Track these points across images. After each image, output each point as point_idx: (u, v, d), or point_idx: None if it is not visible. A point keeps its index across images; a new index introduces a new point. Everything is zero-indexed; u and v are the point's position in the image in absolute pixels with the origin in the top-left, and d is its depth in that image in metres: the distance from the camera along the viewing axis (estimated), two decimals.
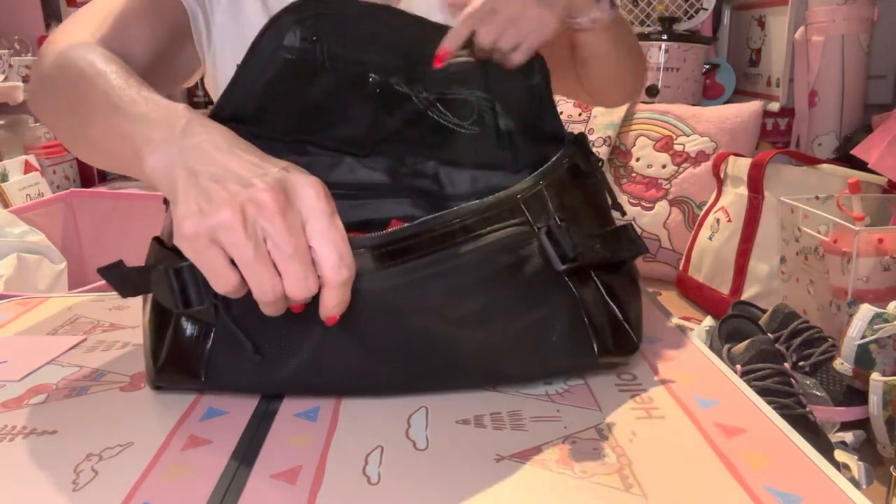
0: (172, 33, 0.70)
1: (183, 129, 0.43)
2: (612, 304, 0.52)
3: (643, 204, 1.76)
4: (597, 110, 1.88)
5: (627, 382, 0.52)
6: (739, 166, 1.54)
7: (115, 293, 0.46)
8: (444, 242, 0.47)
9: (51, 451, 0.44)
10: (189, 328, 0.47)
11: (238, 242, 0.38)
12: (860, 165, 1.37)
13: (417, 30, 0.57)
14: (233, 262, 0.39)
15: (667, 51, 1.87)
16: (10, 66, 2.29)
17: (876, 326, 1.00)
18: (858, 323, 1.01)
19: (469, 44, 0.58)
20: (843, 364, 1.02)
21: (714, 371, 0.54)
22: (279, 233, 0.38)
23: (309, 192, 0.40)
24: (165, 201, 0.53)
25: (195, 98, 2.77)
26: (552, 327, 0.49)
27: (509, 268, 0.48)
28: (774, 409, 0.49)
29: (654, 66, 1.89)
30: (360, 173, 0.66)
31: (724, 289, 1.53)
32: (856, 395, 1.03)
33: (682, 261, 1.68)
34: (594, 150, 0.68)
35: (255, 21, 0.72)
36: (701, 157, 1.72)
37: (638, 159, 1.79)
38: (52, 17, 2.72)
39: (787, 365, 1.02)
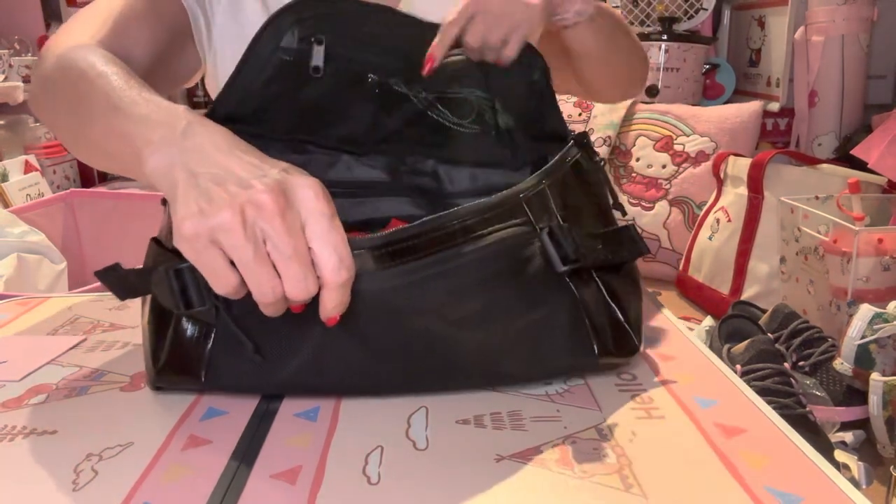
0: (173, 34, 0.70)
1: (183, 131, 0.43)
2: (612, 304, 0.52)
3: (643, 204, 1.76)
4: (597, 110, 1.88)
5: (627, 382, 0.52)
6: (739, 166, 1.54)
7: None
8: (444, 243, 0.46)
9: (51, 451, 0.44)
10: (189, 329, 0.47)
11: (238, 244, 0.38)
12: (860, 165, 1.37)
13: (415, 31, 0.57)
14: (233, 264, 0.39)
15: (667, 51, 1.87)
16: (10, 66, 2.29)
17: (876, 326, 1.00)
18: (858, 323, 1.01)
19: (460, 44, 0.58)
20: (843, 364, 1.02)
21: (714, 371, 0.54)
22: (279, 234, 0.38)
23: (308, 193, 0.40)
24: (163, 201, 0.53)
25: (195, 98, 2.77)
26: (552, 328, 0.49)
27: (510, 268, 0.48)
28: (774, 409, 0.49)
29: (654, 67, 1.89)
30: (359, 171, 0.66)
31: (724, 289, 1.53)
32: (856, 395, 1.03)
33: (682, 261, 1.68)
34: None
35: (255, 21, 0.72)
36: (701, 157, 1.72)
37: (638, 159, 1.79)
38: (52, 17, 2.72)
39: (787, 365, 1.02)
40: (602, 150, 1.79)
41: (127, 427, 0.46)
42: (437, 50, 0.57)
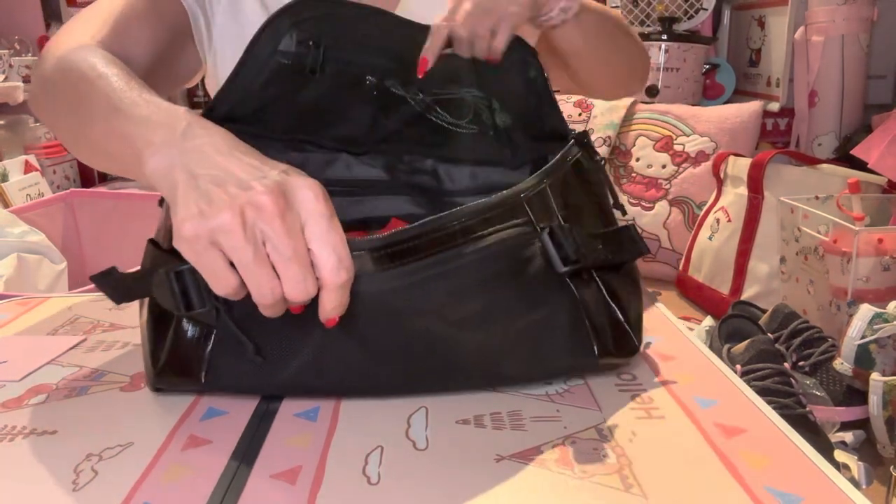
0: (173, 34, 0.70)
1: (184, 132, 0.43)
2: (612, 304, 0.52)
3: (643, 204, 1.76)
4: (597, 110, 1.88)
5: (627, 382, 0.52)
6: (739, 166, 1.54)
7: None
8: (445, 244, 0.46)
9: (51, 451, 0.44)
10: (189, 330, 0.47)
11: (237, 245, 0.38)
12: (860, 165, 1.37)
13: (411, 34, 0.57)
14: (232, 265, 0.39)
15: (667, 51, 1.87)
16: (10, 66, 2.29)
17: (876, 326, 1.00)
18: (858, 323, 1.01)
19: (451, 43, 0.58)
20: (842, 364, 1.02)
21: (714, 371, 0.54)
22: (278, 235, 0.38)
23: (308, 194, 0.40)
24: (160, 202, 0.53)
25: (195, 98, 2.77)
26: (553, 328, 0.49)
27: (511, 269, 0.48)
28: (774, 409, 0.49)
29: (654, 67, 1.89)
30: (357, 170, 0.66)
31: (724, 289, 1.53)
32: (856, 395, 1.03)
33: (682, 261, 1.68)
34: None
35: (255, 21, 0.72)
36: (701, 157, 1.72)
37: (638, 159, 1.79)
38: (52, 17, 2.72)
39: (786, 365, 1.02)
40: (602, 150, 1.79)
41: (127, 427, 0.46)
42: (429, 52, 0.57)
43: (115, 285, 0.43)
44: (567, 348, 0.50)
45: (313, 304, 0.41)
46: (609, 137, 1.82)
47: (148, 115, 0.45)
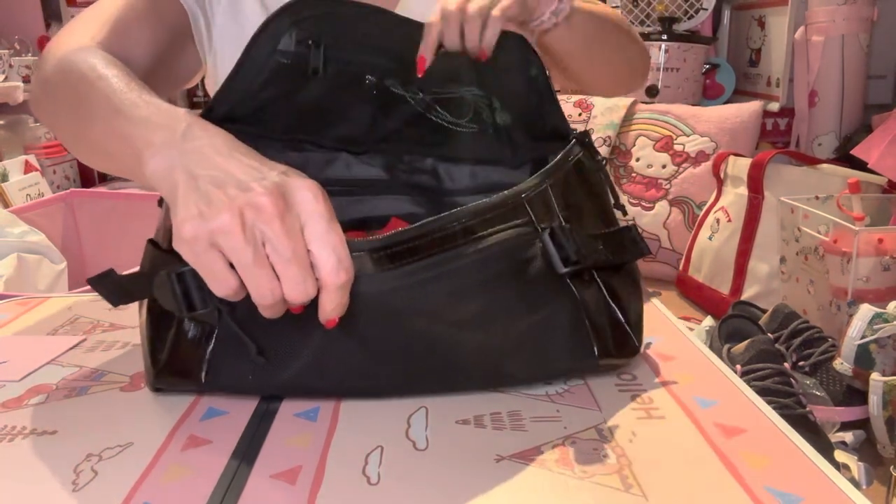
0: (173, 35, 0.70)
1: (184, 133, 0.43)
2: (613, 305, 0.52)
3: (643, 204, 1.76)
4: (597, 110, 1.88)
5: (627, 383, 0.52)
6: (739, 166, 1.54)
7: None
8: (445, 244, 0.46)
9: (51, 451, 0.44)
10: (190, 331, 0.47)
11: (237, 246, 0.38)
12: (860, 165, 1.37)
13: (410, 33, 0.57)
14: (232, 266, 0.39)
15: (667, 51, 1.87)
16: (10, 66, 2.29)
17: (876, 326, 1.00)
18: (858, 323, 1.01)
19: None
20: (843, 364, 1.02)
21: (714, 371, 0.54)
22: (277, 236, 0.38)
23: (307, 195, 0.40)
24: (160, 202, 0.53)
25: (195, 98, 2.77)
26: (553, 329, 0.49)
27: (511, 269, 0.48)
28: (774, 409, 0.49)
29: (654, 67, 1.89)
30: (357, 170, 0.66)
31: (724, 289, 1.53)
32: (856, 395, 1.03)
33: (682, 261, 1.68)
34: None
35: (255, 21, 0.72)
36: (701, 157, 1.72)
37: (638, 159, 1.79)
38: (52, 17, 2.72)
39: (787, 365, 1.02)
40: (602, 150, 1.79)
41: (127, 427, 0.46)
42: (425, 50, 0.57)
43: (113, 287, 0.43)
44: (567, 349, 0.50)
45: (313, 304, 0.41)
46: (609, 137, 1.82)
47: (148, 116, 0.45)
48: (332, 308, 0.41)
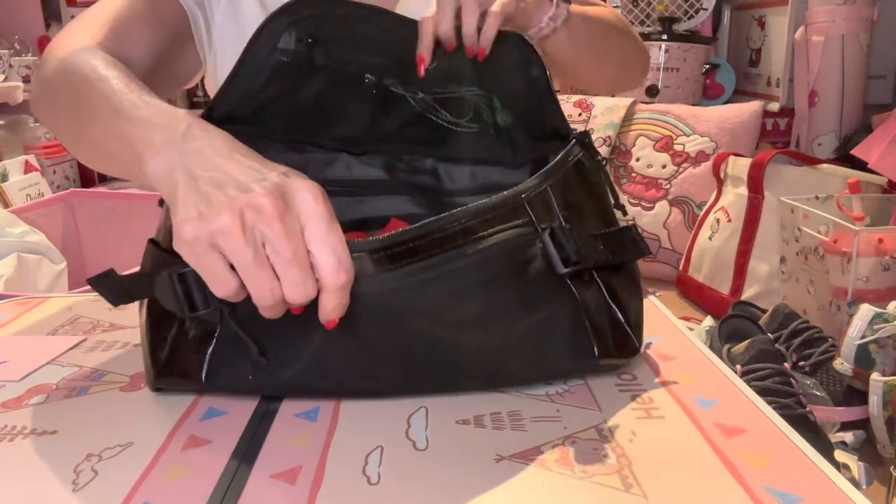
0: (173, 35, 0.70)
1: (184, 134, 0.43)
2: (613, 305, 0.52)
3: (643, 204, 1.76)
4: (597, 110, 1.88)
5: (627, 382, 0.52)
6: (739, 166, 1.54)
7: None
8: (445, 245, 0.46)
9: (51, 451, 0.44)
10: (191, 331, 0.47)
11: (237, 247, 0.38)
12: (860, 165, 1.37)
13: (410, 32, 0.57)
14: (232, 267, 0.39)
15: (667, 51, 1.87)
16: (10, 66, 2.29)
17: (876, 326, 1.00)
18: (858, 323, 1.01)
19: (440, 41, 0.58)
20: (843, 364, 1.02)
21: (714, 371, 0.54)
22: (278, 237, 0.38)
23: (307, 196, 0.40)
24: (160, 202, 0.53)
25: (195, 98, 2.77)
26: (553, 330, 0.49)
27: (511, 270, 0.48)
28: (774, 409, 0.49)
29: (654, 66, 1.89)
30: (357, 170, 0.66)
31: (724, 289, 1.53)
32: (856, 395, 1.03)
33: (682, 261, 1.68)
34: None
35: (254, 21, 0.72)
36: (701, 157, 1.72)
37: (638, 159, 1.79)
38: (52, 17, 2.72)
39: (787, 365, 1.02)
40: (602, 150, 1.79)
41: (127, 427, 0.46)
42: (423, 49, 0.57)
43: (113, 287, 0.43)
44: (567, 349, 0.50)
45: (314, 305, 0.41)
46: (609, 137, 1.82)
47: (148, 116, 0.45)
48: (332, 309, 0.41)
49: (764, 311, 1.25)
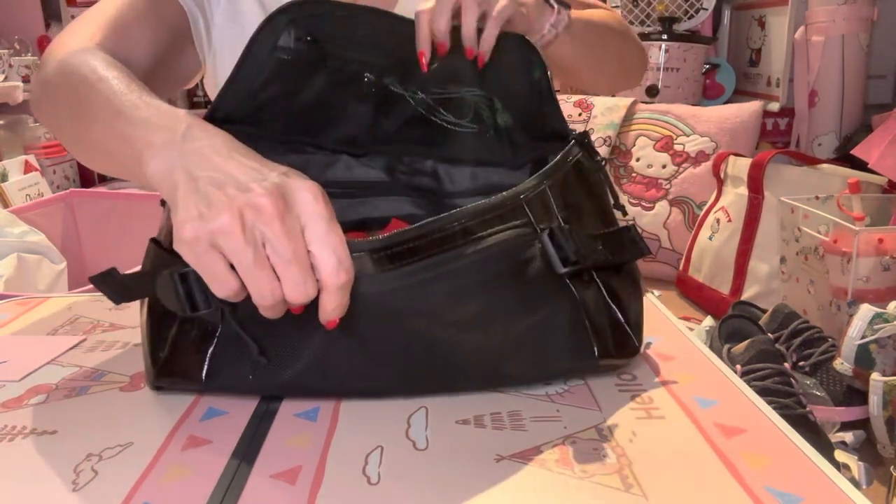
0: (173, 36, 0.70)
1: (184, 134, 0.43)
2: (612, 305, 0.52)
3: (643, 204, 1.76)
4: (597, 110, 1.88)
5: (627, 382, 0.52)
6: (739, 166, 1.54)
7: None
8: (445, 245, 0.46)
9: (51, 451, 0.44)
10: (192, 330, 0.47)
11: (237, 247, 0.38)
12: (860, 165, 1.37)
13: (407, 32, 0.57)
14: (233, 267, 0.39)
15: (667, 51, 1.87)
16: (10, 66, 2.29)
17: (876, 326, 1.00)
18: (858, 323, 1.01)
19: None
20: (843, 364, 1.02)
21: (714, 371, 0.54)
22: (278, 237, 0.38)
23: (307, 196, 0.40)
24: (162, 202, 0.53)
25: (195, 98, 2.77)
26: (553, 330, 0.49)
27: (511, 270, 0.48)
28: (774, 409, 0.49)
29: (654, 66, 1.89)
30: (357, 171, 0.66)
31: (724, 289, 1.53)
32: (856, 395, 1.03)
33: (682, 261, 1.68)
34: None
35: (253, 21, 0.72)
36: (701, 157, 1.72)
37: (638, 159, 1.79)
38: (52, 17, 2.72)
39: (787, 365, 1.02)
40: (602, 150, 1.79)
41: (127, 427, 0.46)
42: (421, 43, 0.56)
43: (115, 286, 0.43)
44: (567, 349, 0.50)
45: (314, 305, 0.41)
46: (609, 137, 1.82)
47: (148, 117, 0.46)
48: (332, 309, 0.41)
49: (764, 311, 1.24)
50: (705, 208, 1.65)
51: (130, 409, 0.49)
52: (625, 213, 0.60)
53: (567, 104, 1.92)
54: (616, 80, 0.83)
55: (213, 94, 0.77)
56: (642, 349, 0.55)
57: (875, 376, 0.96)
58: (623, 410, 0.48)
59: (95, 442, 0.45)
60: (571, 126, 0.60)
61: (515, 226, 0.49)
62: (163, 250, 0.49)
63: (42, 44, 2.67)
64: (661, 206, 1.73)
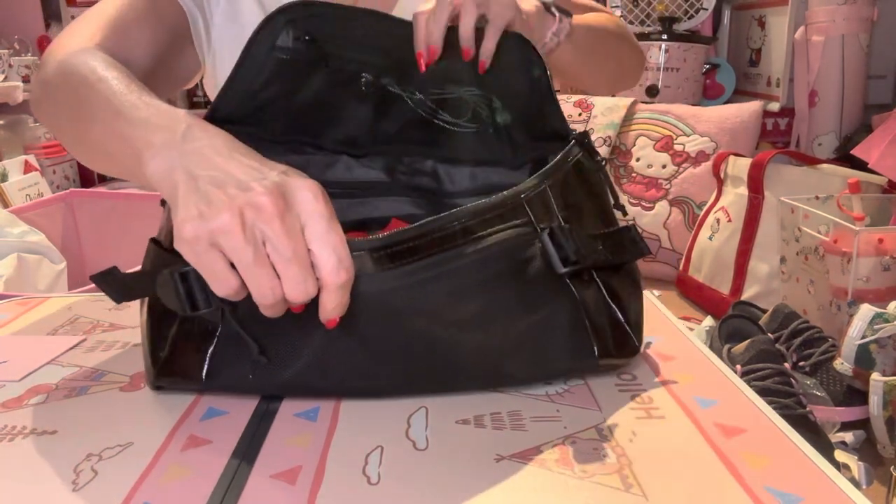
0: (172, 36, 0.70)
1: (184, 134, 0.43)
2: (612, 305, 0.52)
3: (643, 204, 1.76)
4: (597, 110, 1.88)
5: (627, 382, 0.52)
6: (739, 166, 1.54)
7: None
8: (445, 244, 0.46)
9: (51, 451, 0.44)
10: (192, 330, 0.47)
11: (237, 246, 0.38)
12: (860, 165, 1.37)
13: (405, 33, 0.57)
14: (233, 266, 0.39)
15: (667, 51, 1.87)
16: (10, 66, 2.30)
17: (876, 326, 1.00)
18: (858, 323, 1.01)
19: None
20: (843, 364, 1.02)
21: (714, 371, 0.54)
22: (278, 236, 0.38)
23: (307, 195, 0.40)
24: (163, 202, 0.53)
25: (195, 98, 2.77)
26: (553, 329, 0.49)
27: (511, 269, 0.48)
28: (774, 409, 0.49)
29: (654, 66, 1.89)
30: (358, 172, 0.66)
31: (724, 289, 1.53)
32: (856, 395, 1.03)
33: (682, 261, 1.68)
34: None
35: (253, 22, 0.72)
36: (701, 157, 1.72)
37: (638, 159, 1.79)
38: (52, 17, 2.73)
39: (787, 365, 1.02)
40: (602, 150, 1.79)
41: (127, 427, 0.46)
42: (419, 44, 0.56)
43: (116, 285, 0.43)
44: (567, 349, 0.50)
45: (314, 304, 0.41)
46: (609, 137, 1.82)
47: (148, 117, 0.46)
48: (332, 307, 0.41)
49: (764, 311, 1.24)
50: (705, 208, 1.65)
51: (130, 409, 0.49)
52: (625, 213, 0.60)
53: (567, 104, 1.92)
54: (614, 82, 0.84)
55: (212, 95, 0.77)
56: (642, 349, 0.55)
57: (875, 376, 0.96)
58: (623, 410, 0.48)
59: (95, 442, 0.45)
60: (571, 126, 0.60)
61: (516, 225, 0.49)
62: (163, 250, 0.49)
63: (42, 44, 2.67)
64: (661, 206, 1.73)
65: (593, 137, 1.78)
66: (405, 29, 0.57)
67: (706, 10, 1.88)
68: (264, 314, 0.41)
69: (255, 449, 0.44)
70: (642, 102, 1.88)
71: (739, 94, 1.99)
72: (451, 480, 0.40)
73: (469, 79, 0.60)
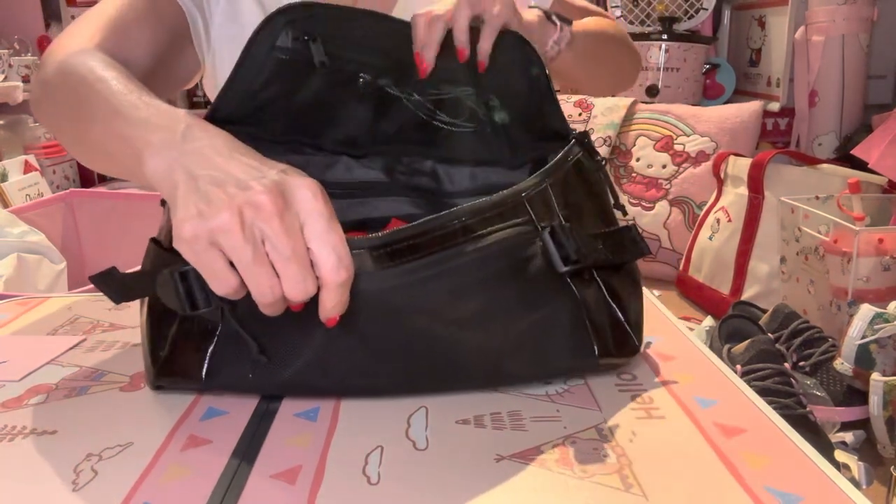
0: (172, 36, 0.70)
1: (183, 134, 0.43)
2: (613, 304, 0.52)
3: (643, 204, 1.76)
4: (597, 110, 1.88)
5: (627, 382, 0.52)
6: (739, 166, 1.54)
7: None
8: (445, 243, 0.46)
9: (51, 451, 0.44)
10: (192, 329, 0.47)
11: (236, 245, 0.38)
12: (860, 165, 1.37)
13: (403, 34, 0.57)
14: (232, 265, 0.39)
15: (667, 51, 1.87)
16: (10, 66, 2.30)
17: (876, 326, 1.00)
18: (859, 323, 1.01)
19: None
20: (843, 364, 1.02)
21: (714, 371, 0.54)
22: (277, 235, 0.38)
23: (306, 193, 0.40)
24: (163, 202, 0.53)
25: (195, 98, 2.77)
26: (553, 328, 0.49)
27: (511, 268, 0.48)
28: (774, 409, 0.49)
29: (654, 66, 1.89)
30: (357, 172, 0.66)
31: (724, 289, 1.53)
32: (856, 395, 1.03)
33: (683, 261, 1.68)
34: None
35: (253, 22, 0.72)
36: (701, 157, 1.72)
37: (638, 159, 1.79)
38: (52, 17, 2.73)
39: (787, 365, 1.02)
40: (602, 150, 1.79)
41: (127, 427, 0.46)
42: (418, 46, 0.56)
43: (116, 285, 0.43)
44: (567, 348, 0.50)
45: (314, 303, 0.41)
46: (609, 137, 1.82)
47: (147, 117, 0.46)
48: (332, 306, 0.41)
49: (764, 311, 1.24)
50: (705, 208, 1.65)
51: (130, 409, 0.49)
52: (625, 213, 0.60)
53: (567, 104, 1.92)
54: (612, 85, 0.85)
55: (212, 95, 0.77)
56: (642, 349, 0.55)
57: (875, 376, 0.96)
58: (623, 410, 0.48)
59: (95, 442, 0.45)
60: (571, 126, 0.60)
61: (516, 224, 0.49)
62: (163, 250, 0.49)
63: (42, 44, 2.67)
64: (661, 206, 1.73)
65: (593, 137, 1.78)
66: (405, 30, 0.57)
67: (706, 10, 1.88)
68: (264, 313, 0.41)
69: (255, 449, 0.44)
70: (642, 102, 1.88)
71: (739, 94, 1.99)
72: (451, 480, 0.40)
73: (466, 79, 0.60)
